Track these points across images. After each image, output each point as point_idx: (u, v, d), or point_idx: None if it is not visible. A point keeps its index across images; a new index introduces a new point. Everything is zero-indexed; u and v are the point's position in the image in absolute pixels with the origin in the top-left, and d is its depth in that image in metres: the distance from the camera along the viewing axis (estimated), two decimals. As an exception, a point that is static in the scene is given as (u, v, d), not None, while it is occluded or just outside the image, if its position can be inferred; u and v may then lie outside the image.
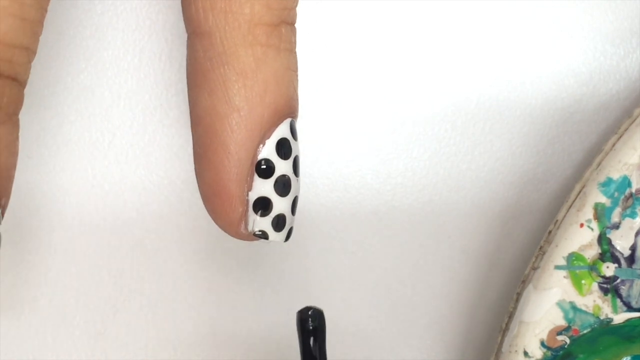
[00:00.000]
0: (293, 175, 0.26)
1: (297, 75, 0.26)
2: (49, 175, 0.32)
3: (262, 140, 0.25)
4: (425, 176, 0.33)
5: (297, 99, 0.26)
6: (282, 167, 0.25)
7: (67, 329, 0.32)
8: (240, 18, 0.24)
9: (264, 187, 0.26)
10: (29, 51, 0.24)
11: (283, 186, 0.26)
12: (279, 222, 0.26)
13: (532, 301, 0.30)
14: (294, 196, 0.26)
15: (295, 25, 0.25)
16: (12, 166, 0.25)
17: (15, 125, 0.24)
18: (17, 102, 0.24)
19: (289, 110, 0.25)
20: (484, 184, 0.33)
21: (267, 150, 0.25)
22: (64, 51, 0.32)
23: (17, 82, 0.24)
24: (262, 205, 0.26)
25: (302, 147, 0.32)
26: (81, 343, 0.32)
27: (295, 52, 0.25)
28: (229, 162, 0.25)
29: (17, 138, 0.25)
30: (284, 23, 0.25)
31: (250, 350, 0.33)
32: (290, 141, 0.26)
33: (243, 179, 0.25)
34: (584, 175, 0.30)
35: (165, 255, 0.32)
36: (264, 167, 0.25)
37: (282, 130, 0.25)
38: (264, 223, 0.26)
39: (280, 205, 0.26)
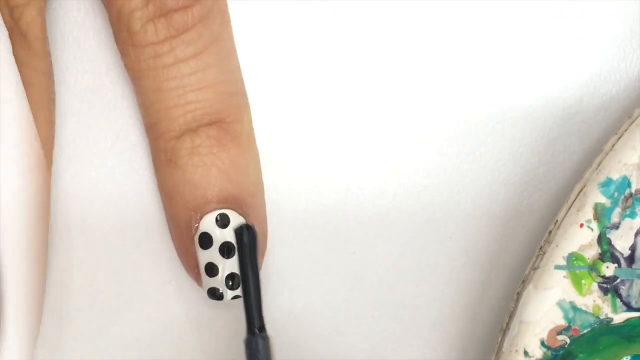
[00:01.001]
0: (219, 261, 0.29)
1: (220, 169, 0.29)
2: (51, 175, 0.32)
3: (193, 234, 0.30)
4: (426, 177, 0.33)
5: (223, 191, 0.29)
6: (203, 257, 0.30)
7: (67, 329, 0.32)
8: (150, 137, 0.30)
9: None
10: None
11: (208, 270, 0.30)
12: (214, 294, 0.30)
13: (533, 301, 0.30)
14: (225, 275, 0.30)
15: (223, 123, 0.29)
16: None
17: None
18: None
19: (208, 207, 0.29)
20: (485, 185, 0.33)
21: (195, 247, 0.30)
22: (67, 52, 0.32)
23: None
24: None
25: (304, 148, 0.32)
26: (81, 343, 0.32)
27: (214, 152, 0.29)
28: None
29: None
30: (188, 132, 0.29)
31: (251, 350, 0.33)
32: (212, 234, 0.29)
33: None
34: (584, 175, 0.30)
35: (167, 256, 0.32)
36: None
37: (203, 226, 0.30)
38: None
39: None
